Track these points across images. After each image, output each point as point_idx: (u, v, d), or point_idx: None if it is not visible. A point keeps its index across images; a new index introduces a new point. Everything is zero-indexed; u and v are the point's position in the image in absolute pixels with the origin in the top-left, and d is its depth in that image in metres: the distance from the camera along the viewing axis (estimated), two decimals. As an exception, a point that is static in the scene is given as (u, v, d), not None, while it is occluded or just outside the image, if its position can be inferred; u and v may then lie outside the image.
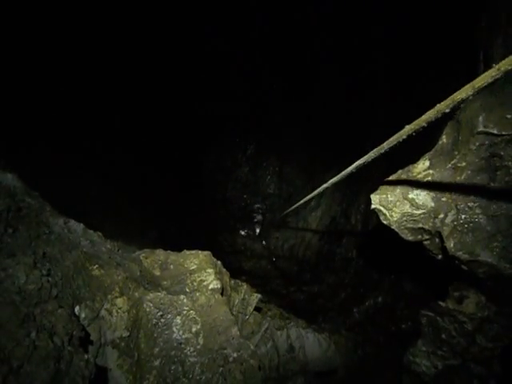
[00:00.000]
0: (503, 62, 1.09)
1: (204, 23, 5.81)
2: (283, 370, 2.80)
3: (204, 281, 2.46)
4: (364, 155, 1.98)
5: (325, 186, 2.62)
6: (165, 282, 2.46)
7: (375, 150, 1.86)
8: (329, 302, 4.47)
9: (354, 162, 2.07)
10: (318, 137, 6.57)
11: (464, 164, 2.12)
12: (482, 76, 1.17)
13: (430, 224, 2.24)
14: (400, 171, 2.41)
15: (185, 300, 2.25)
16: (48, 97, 3.85)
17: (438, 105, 1.39)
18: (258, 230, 7.03)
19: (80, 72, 4.37)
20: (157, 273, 2.53)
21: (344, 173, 2.23)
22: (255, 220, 7.16)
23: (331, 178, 2.39)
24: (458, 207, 2.12)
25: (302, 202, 3.47)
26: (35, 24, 3.65)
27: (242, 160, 7.50)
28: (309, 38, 5.85)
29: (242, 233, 7.00)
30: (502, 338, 2.26)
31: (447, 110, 1.36)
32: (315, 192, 2.85)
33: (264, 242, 6.79)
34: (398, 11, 4.14)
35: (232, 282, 2.91)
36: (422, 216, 2.26)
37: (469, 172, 2.11)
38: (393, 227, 2.37)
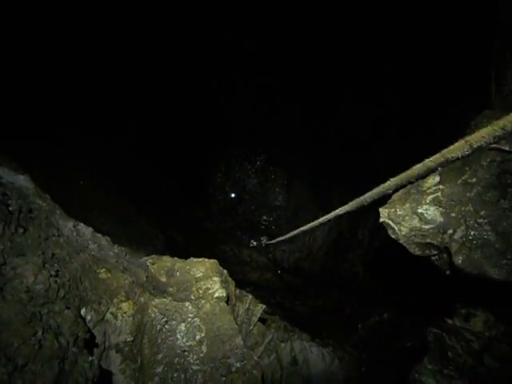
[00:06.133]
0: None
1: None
2: (286, 383, 2.76)
3: (209, 289, 2.46)
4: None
5: (302, 228, 2.85)
6: (170, 289, 2.46)
7: (355, 200, 1.91)
8: (333, 317, 4.42)
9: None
10: (326, 154, 6.60)
11: (474, 180, 2.11)
12: (480, 132, 1.03)
13: (439, 239, 2.22)
14: (410, 185, 2.41)
15: (190, 307, 2.24)
16: (60, 105, 3.93)
17: (426, 160, 1.25)
18: (264, 242, 7.00)
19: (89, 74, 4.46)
20: (163, 279, 2.53)
21: (321, 219, 2.43)
22: (262, 232, 7.15)
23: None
24: (468, 223, 2.10)
25: (288, 235, 3.56)
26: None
27: (251, 172, 7.54)
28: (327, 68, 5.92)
29: (249, 244, 6.98)
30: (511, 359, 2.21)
31: (435, 167, 1.22)
32: (299, 229, 3.05)
33: (270, 254, 6.76)
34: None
35: (237, 291, 2.90)
36: (430, 231, 2.24)
37: (479, 188, 2.10)
38: (401, 241, 2.35)
